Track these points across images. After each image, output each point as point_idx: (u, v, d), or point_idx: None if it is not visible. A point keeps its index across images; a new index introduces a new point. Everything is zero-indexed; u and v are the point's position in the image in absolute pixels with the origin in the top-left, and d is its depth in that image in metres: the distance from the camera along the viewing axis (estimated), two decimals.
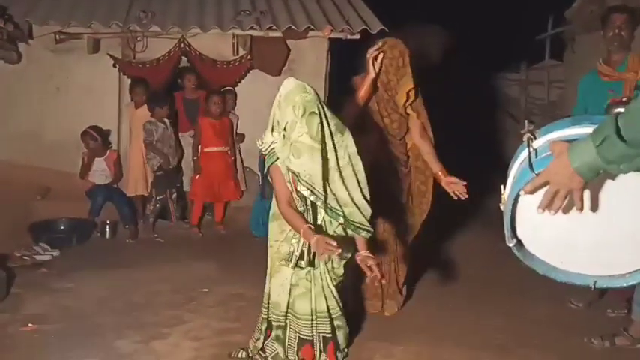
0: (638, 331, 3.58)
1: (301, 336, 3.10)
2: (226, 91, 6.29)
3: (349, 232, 3.00)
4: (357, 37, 6.18)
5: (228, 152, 6.08)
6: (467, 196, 3.72)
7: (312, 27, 6.16)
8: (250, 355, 3.28)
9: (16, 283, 4.29)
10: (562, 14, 7.36)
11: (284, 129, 2.82)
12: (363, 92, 3.66)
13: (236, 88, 6.42)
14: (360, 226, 2.95)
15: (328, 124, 2.83)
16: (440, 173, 3.80)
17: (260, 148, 2.98)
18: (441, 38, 9.10)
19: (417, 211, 3.96)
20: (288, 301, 3.08)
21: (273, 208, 3.11)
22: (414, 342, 3.61)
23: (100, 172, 5.96)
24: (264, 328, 3.22)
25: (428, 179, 3.95)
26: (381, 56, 3.62)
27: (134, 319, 3.80)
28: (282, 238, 3.06)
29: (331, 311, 3.12)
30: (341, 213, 2.90)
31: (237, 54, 6.35)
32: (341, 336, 3.21)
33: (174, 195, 5.99)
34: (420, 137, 3.87)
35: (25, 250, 4.96)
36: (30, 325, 3.65)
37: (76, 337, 3.50)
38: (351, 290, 3.52)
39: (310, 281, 3.04)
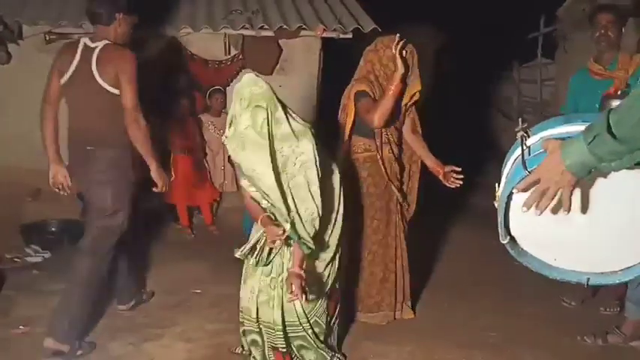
0: (630, 329, 3.60)
1: (273, 345, 3.08)
2: (215, 90, 6.26)
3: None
4: (350, 36, 6.17)
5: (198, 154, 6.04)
6: (460, 182, 3.69)
7: (304, 26, 6.14)
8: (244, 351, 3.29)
9: (6, 285, 4.26)
10: (554, 13, 7.39)
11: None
12: (394, 89, 3.47)
13: (227, 87, 6.39)
14: (302, 240, 2.83)
15: (275, 124, 2.68)
16: (436, 167, 3.79)
17: (223, 142, 2.87)
18: (434, 37, 9.12)
19: (406, 212, 3.94)
20: (257, 308, 3.05)
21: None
22: (408, 342, 3.61)
23: None
24: (241, 330, 3.22)
25: (414, 175, 3.95)
26: (405, 52, 3.50)
27: (126, 321, 3.78)
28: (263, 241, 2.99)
29: (287, 327, 3.05)
30: (288, 219, 2.76)
31: (229, 54, 6.32)
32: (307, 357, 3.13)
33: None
34: (411, 133, 3.86)
35: (16, 252, 4.93)
36: (21, 327, 3.62)
37: None
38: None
39: (273, 289, 3.00)
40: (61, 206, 5.78)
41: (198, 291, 4.34)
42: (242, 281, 3.16)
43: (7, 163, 6.00)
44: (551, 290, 3.99)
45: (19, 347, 3.40)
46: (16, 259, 4.82)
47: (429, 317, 3.99)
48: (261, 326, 3.07)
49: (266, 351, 3.12)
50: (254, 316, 3.06)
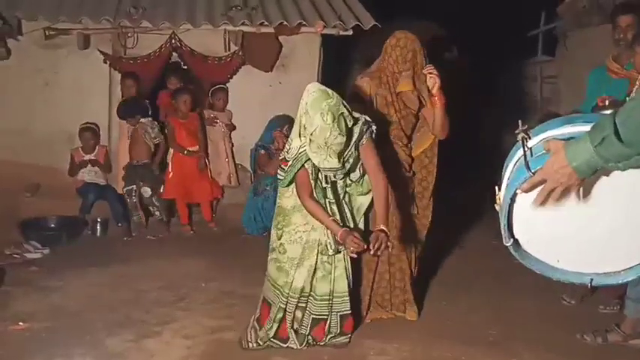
0: (630, 327, 3.59)
1: (316, 316, 3.35)
2: (218, 88, 6.25)
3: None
4: (350, 32, 6.16)
5: (199, 151, 6.00)
6: None
7: (304, 23, 6.12)
8: (261, 343, 3.37)
9: (5, 281, 4.25)
10: (554, 10, 7.37)
11: (311, 134, 2.91)
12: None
13: (227, 84, 6.38)
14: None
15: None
16: None
17: (286, 155, 3.13)
18: (433, 34, 9.08)
19: (424, 221, 3.94)
20: (312, 285, 3.31)
21: (292, 201, 3.25)
22: (408, 340, 3.61)
23: (90, 168, 5.89)
24: (280, 316, 3.34)
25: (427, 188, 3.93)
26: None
27: (125, 317, 3.78)
28: (310, 228, 3.25)
29: (334, 297, 3.39)
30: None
31: (229, 50, 6.30)
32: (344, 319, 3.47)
33: (142, 189, 5.81)
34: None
35: (15, 248, 4.92)
36: (20, 323, 3.61)
37: (67, 336, 3.47)
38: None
39: (331, 264, 3.31)
40: (60, 202, 5.79)
41: (202, 284, 4.35)
42: (293, 267, 3.28)
43: (5, 158, 5.99)
44: (551, 288, 3.98)
45: (17, 343, 3.39)
46: (14, 255, 4.81)
47: (428, 314, 3.98)
48: (308, 302, 3.33)
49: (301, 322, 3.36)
50: (307, 292, 3.30)
